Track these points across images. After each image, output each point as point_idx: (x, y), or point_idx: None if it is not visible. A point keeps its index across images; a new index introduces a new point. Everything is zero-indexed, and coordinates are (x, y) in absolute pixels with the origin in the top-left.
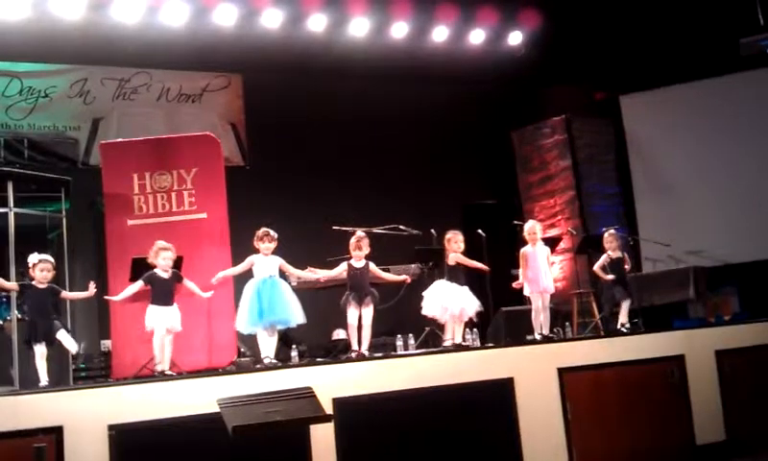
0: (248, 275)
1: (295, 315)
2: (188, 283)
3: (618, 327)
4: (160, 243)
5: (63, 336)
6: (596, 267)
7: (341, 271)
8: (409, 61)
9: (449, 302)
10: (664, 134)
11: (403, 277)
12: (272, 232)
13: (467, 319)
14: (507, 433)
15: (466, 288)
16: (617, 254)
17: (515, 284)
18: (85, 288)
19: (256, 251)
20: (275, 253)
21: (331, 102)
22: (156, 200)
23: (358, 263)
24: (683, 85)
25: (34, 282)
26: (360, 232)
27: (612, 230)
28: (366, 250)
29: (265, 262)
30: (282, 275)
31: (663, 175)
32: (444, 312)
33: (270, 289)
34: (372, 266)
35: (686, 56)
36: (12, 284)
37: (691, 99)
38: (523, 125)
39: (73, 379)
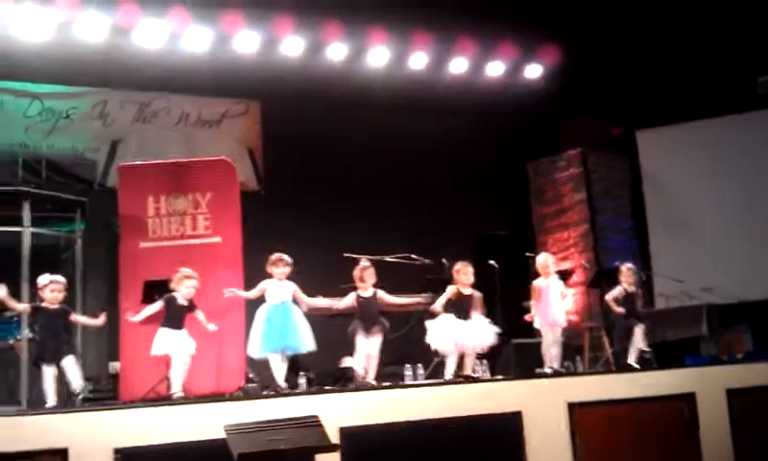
0: (260, 300)
1: (305, 342)
2: (199, 315)
3: (631, 360)
4: (187, 271)
5: (70, 367)
6: (609, 297)
7: (349, 302)
8: (427, 92)
9: (457, 335)
10: (680, 170)
11: (416, 299)
12: (285, 258)
13: (480, 350)
14: None
15: (477, 320)
16: (632, 288)
17: (526, 317)
18: (98, 309)
19: (270, 276)
20: (288, 278)
21: (348, 130)
22: (171, 223)
23: (365, 293)
24: (700, 122)
25: (44, 304)
26: (364, 262)
27: (629, 265)
28: (371, 280)
29: (278, 288)
30: (295, 301)
31: (678, 211)
32: (454, 346)
33: (282, 314)
34: (380, 294)
35: (704, 93)
36: (24, 306)
37: (708, 136)
38: (539, 157)
39: (80, 401)
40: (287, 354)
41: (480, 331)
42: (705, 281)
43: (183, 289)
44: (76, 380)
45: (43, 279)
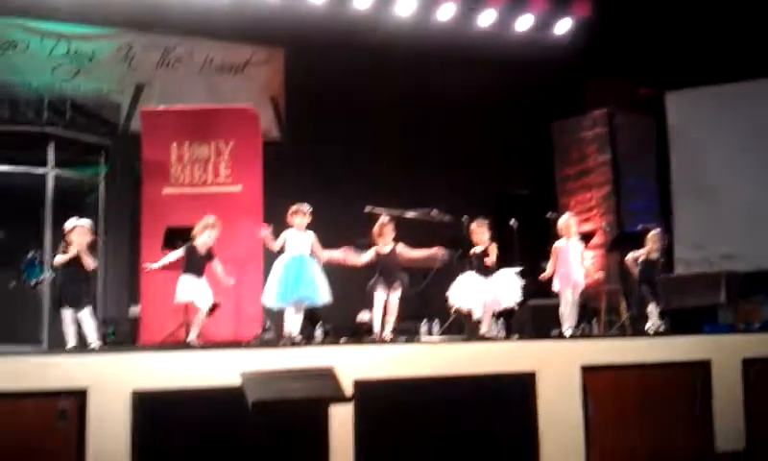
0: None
1: (321, 294)
2: (217, 266)
3: (647, 326)
4: (211, 220)
5: (87, 320)
6: (629, 257)
7: (368, 258)
8: (453, 44)
9: (478, 293)
10: (708, 134)
11: (434, 250)
12: (305, 208)
13: (500, 309)
14: (525, 427)
15: (502, 274)
16: (655, 255)
17: (541, 276)
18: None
19: (289, 225)
20: (308, 228)
21: (372, 82)
22: (193, 170)
23: (385, 248)
24: (731, 85)
25: (70, 247)
26: (383, 218)
27: (657, 230)
28: (389, 236)
29: (297, 238)
30: (313, 253)
31: (703, 176)
32: (474, 304)
33: (298, 266)
34: (399, 248)
35: (736, 55)
36: (61, 258)
37: (739, 100)
38: (564, 116)
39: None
40: (303, 306)
41: (505, 287)
42: (726, 249)
43: (205, 238)
44: (91, 334)
45: (70, 223)
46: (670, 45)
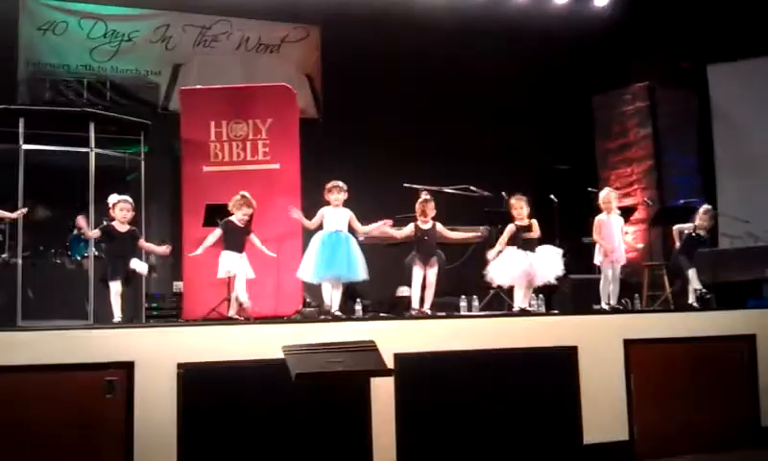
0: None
1: (357, 271)
2: (255, 240)
3: (691, 296)
4: (245, 197)
5: (136, 264)
6: (676, 227)
7: (408, 232)
8: (491, 18)
9: (517, 268)
10: (751, 107)
11: (472, 234)
12: (341, 184)
13: (541, 284)
14: (567, 401)
15: (543, 250)
16: (703, 233)
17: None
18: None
19: (327, 203)
20: (345, 205)
21: (409, 57)
22: (232, 148)
23: (425, 224)
24: None
25: (114, 223)
26: (425, 195)
27: (708, 207)
28: (431, 213)
29: (334, 214)
30: (351, 229)
31: (747, 149)
32: (511, 279)
33: (334, 243)
34: (439, 227)
35: None
36: (95, 232)
37: None
38: (605, 90)
39: (145, 317)
40: (339, 282)
41: (546, 262)
42: None
43: (240, 214)
44: (143, 268)
45: (112, 198)
46: (712, 17)
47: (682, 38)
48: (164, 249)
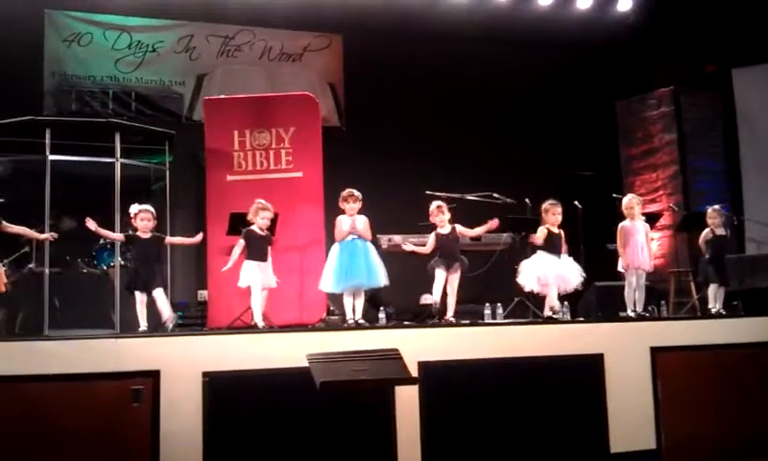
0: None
1: (377, 277)
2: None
3: (718, 306)
4: (261, 202)
5: (161, 297)
6: (701, 240)
7: (432, 244)
8: (513, 25)
9: (546, 273)
10: None
11: (491, 223)
12: (356, 193)
13: (569, 290)
14: (593, 410)
15: (566, 258)
16: (720, 231)
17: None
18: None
19: (342, 211)
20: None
21: (431, 65)
22: (255, 157)
23: (444, 230)
24: None
25: (138, 233)
26: (436, 202)
27: (716, 206)
28: (447, 215)
29: (349, 223)
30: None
31: None
32: (539, 284)
33: (351, 251)
34: (459, 228)
35: None
36: (118, 235)
37: None
38: (628, 95)
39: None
40: (360, 290)
41: (569, 271)
42: None
43: (260, 220)
44: (166, 311)
45: (134, 208)
46: (736, 21)
47: (706, 42)
48: (195, 239)
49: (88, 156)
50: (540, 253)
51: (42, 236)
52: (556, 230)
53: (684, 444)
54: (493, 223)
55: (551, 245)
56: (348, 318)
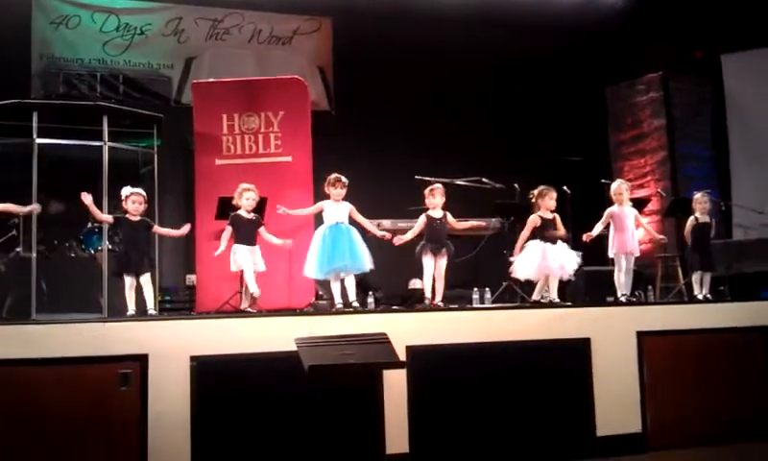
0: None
1: (361, 261)
2: (265, 234)
3: (705, 291)
4: (244, 185)
5: (147, 285)
6: (686, 230)
7: (421, 225)
8: (503, 10)
9: (546, 259)
10: (765, 96)
11: (478, 222)
12: (343, 179)
13: (567, 277)
14: (580, 393)
15: (560, 245)
16: (705, 218)
17: (585, 236)
18: (174, 224)
19: (328, 196)
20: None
21: (421, 49)
22: (244, 141)
23: (436, 214)
24: None
25: (127, 215)
26: (435, 184)
27: (701, 193)
28: (441, 198)
29: (335, 208)
30: (353, 222)
31: (762, 139)
32: (537, 271)
33: (335, 235)
34: (449, 218)
35: None
36: (107, 216)
37: None
38: (618, 81)
39: (159, 311)
40: (341, 275)
41: (565, 256)
42: None
43: (244, 201)
44: (150, 300)
45: (125, 190)
46: (725, 6)
47: (695, 28)
48: (182, 230)
49: (76, 139)
50: (534, 241)
51: (26, 209)
52: (549, 216)
53: (669, 427)
54: (480, 224)
55: (544, 230)
56: (336, 302)
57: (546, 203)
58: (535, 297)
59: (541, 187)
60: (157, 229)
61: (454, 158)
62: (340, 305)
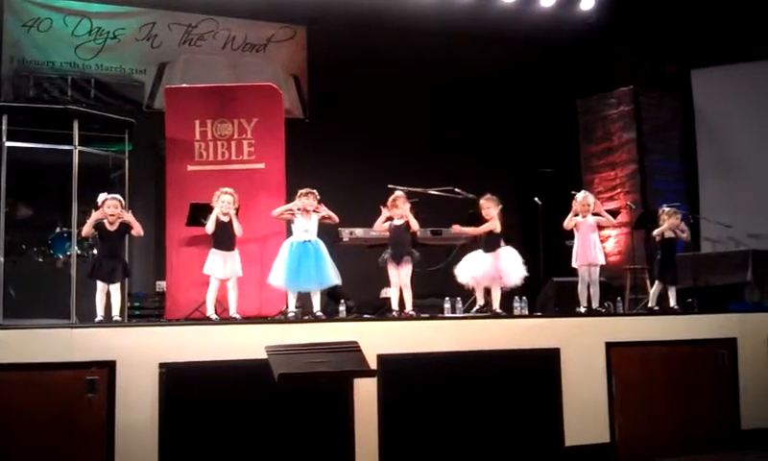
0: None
1: (327, 277)
2: (235, 224)
3: (672, 303)
4: (223, 188)
5: (115, 294)
6: (655, 234)
7: (382, 223)
8: (477, 21)
9: (479, 270)
10: (735, 112)
11: (415, 228)
12: (314, 192)
13: (507, 288)
14: (549, 403)
15: (507, 253)
16: (670, 234)
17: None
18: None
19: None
20: (333, 206)
21: (394, 59)
22: (217, 147)
23: (397, 221)
24: (758, 63)
25: (104, 222)
26: (397, 192)
27: (667, 207)
28: (403, 207)
29: (304, 222)
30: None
31: (730, 154)
32: (473, 281)
33: (301, 253)
34: (411, 221)
35: (763, 32)
36: (90, 231)
37: (765, 77)
38: (589, 94)
39: (127, 317)
40: (313, 292)
41: (509, 263)
42: (753, 227)
43: (221, 206)
44: (116, 308)
45: (101, 196)
46: (696, 22)
47: (666, 43)
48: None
49: (46, 143)
50: (475, 251)
51: None
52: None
53: (637, 438)
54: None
55: (487, 240)
56: (289, 311)
57: (486, 212)
58: (495, 307)
59: (481, 200)
60: (129, 217)
61: (427, 168)
62: (318, 313)
